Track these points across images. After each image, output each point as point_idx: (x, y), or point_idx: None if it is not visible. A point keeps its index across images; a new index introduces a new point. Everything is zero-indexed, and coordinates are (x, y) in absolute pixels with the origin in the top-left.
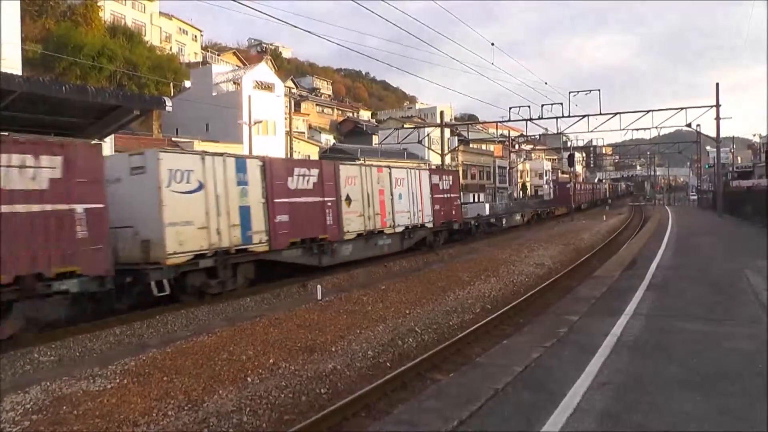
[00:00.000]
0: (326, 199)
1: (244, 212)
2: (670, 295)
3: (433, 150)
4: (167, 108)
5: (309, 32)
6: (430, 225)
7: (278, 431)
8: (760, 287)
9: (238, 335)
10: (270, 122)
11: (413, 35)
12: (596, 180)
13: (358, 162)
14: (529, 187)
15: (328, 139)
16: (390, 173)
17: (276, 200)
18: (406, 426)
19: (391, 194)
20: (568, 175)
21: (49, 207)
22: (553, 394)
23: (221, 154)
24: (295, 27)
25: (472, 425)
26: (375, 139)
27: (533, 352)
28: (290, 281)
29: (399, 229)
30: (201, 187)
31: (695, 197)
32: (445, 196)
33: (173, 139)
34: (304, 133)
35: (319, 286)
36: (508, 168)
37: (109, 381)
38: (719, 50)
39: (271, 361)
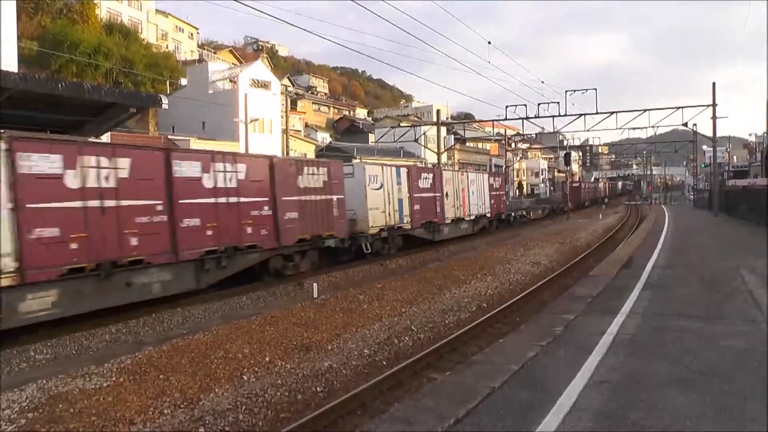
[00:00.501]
0: (436, 194)
1: (400, 203)
2: (666, 294)
3: (429, 149)
4: (163, 105)
5: (306, 30)
6: (488, 215)
7: (274, 430)
8: (755, 286)
9: (234, 333)
10: (266, 120)
11: (410, 34)
12: (592, 179)
13: (449, 168)
14: (525, 186)
15: (324, 138)
16: (467, 176)
17: (414, 195)
18: (402, 424)
19: (468, 191)
20: (564, 174)
21: (322, 197)
22: (549, 392)
23: (390, 165)
24: (292, 25)
25: (468, 424)
26: (371, 138)
27: (529, 351)
28: (285, 279)
29: (472, 217)
30: (382, 186)
31: (692, 196)
32: (497, 193)
33: (169, 136)
34: (300, 131)
35: (315, 284)
36: (504, 167)
37: (105, 379)
38: (716, 50)
39: (267, 359)
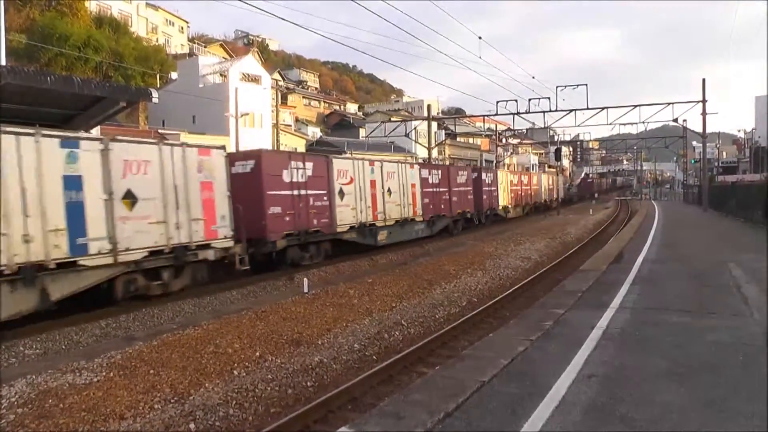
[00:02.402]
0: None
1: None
2: (655, 289)
3: (420, 143)
4: (153, 99)
5: (297, 25)
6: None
7: (264, 424)
8: (743, 281)
9: (224, 328)
10: (257, 115)
11: (401, 29)
12: (582, 174)
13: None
14: None
15: (315, 132)
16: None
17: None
18: (392, 419)
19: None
20: (555, 169)
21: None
22: (539, 386)
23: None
24: (283, 19)
25: (458, 417)
26: (362, 132)
27: (519, 345)
28: (277, 274)
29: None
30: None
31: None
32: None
33: (159, 131)
34: (291, 125)
35: (305, 279)
36: (494, 162)
37: (96, 374)
38: (706, 47)
39: (257, 354)
